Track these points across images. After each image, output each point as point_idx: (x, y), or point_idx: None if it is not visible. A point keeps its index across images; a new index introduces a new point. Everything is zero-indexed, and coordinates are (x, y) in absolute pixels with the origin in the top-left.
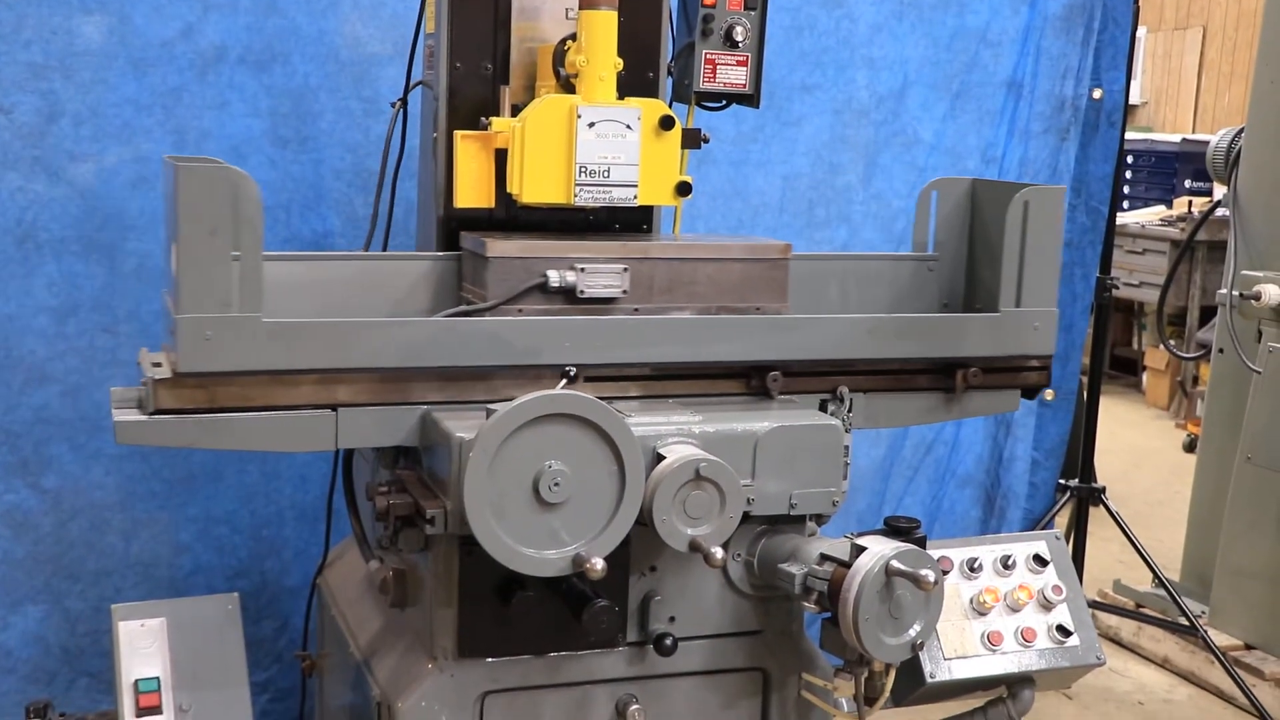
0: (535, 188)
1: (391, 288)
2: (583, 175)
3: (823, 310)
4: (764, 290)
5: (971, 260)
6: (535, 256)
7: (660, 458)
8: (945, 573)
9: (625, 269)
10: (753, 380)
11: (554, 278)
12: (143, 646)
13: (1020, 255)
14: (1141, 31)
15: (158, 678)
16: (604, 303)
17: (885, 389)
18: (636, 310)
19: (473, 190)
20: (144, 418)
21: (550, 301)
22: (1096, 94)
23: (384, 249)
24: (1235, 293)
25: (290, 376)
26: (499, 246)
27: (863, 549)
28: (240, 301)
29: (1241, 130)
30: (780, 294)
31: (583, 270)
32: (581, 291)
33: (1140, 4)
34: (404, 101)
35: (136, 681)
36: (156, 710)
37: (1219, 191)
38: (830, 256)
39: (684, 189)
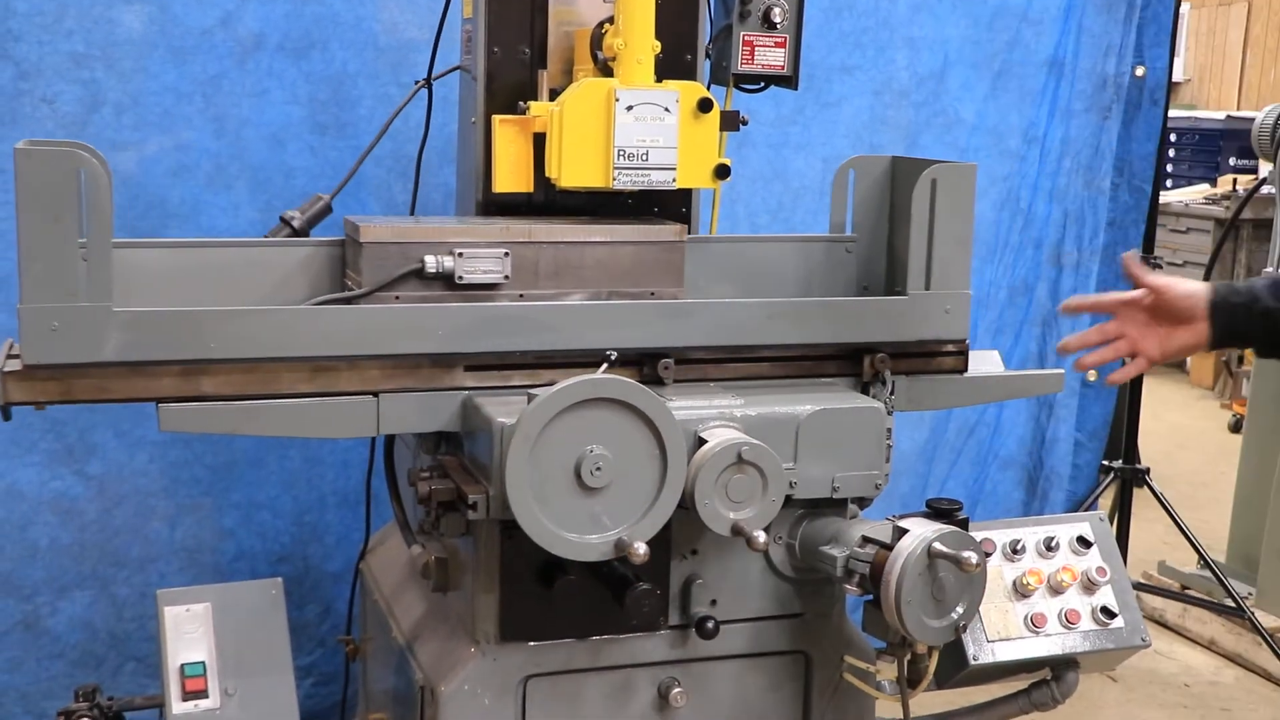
0: (574, 171)
1: (271, 274)
2: (621, 158)
3: (733, 295)
4: (658, 274)
5: (893, 242)
6: (411, 241)
7: (702, 441)
8: (988, 555)
9: (506, 254)
10: (644, 368)
11: (431, 263)
12: (188, 631)
13: (929, 236)
14: (1185, 8)
15: (203, 662)
16: (486, 289)
17: (790, 375)
18: (521, 297)
19: (511, 175)
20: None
21: (429, 288)
22: (1139, 72)
23: None
24: None
25: (149, 368)
26: (373, 231)
27: (905, 531)
28: (88, 291)
29: None
30: (676, 278)
31: (460, 255)
32: (460, 277)
33: None
34: (428, 82)
35: (182, 666)
36: (202, 694)
37: (1264, 169)
38: (738, 239)
39: (723, 172)
